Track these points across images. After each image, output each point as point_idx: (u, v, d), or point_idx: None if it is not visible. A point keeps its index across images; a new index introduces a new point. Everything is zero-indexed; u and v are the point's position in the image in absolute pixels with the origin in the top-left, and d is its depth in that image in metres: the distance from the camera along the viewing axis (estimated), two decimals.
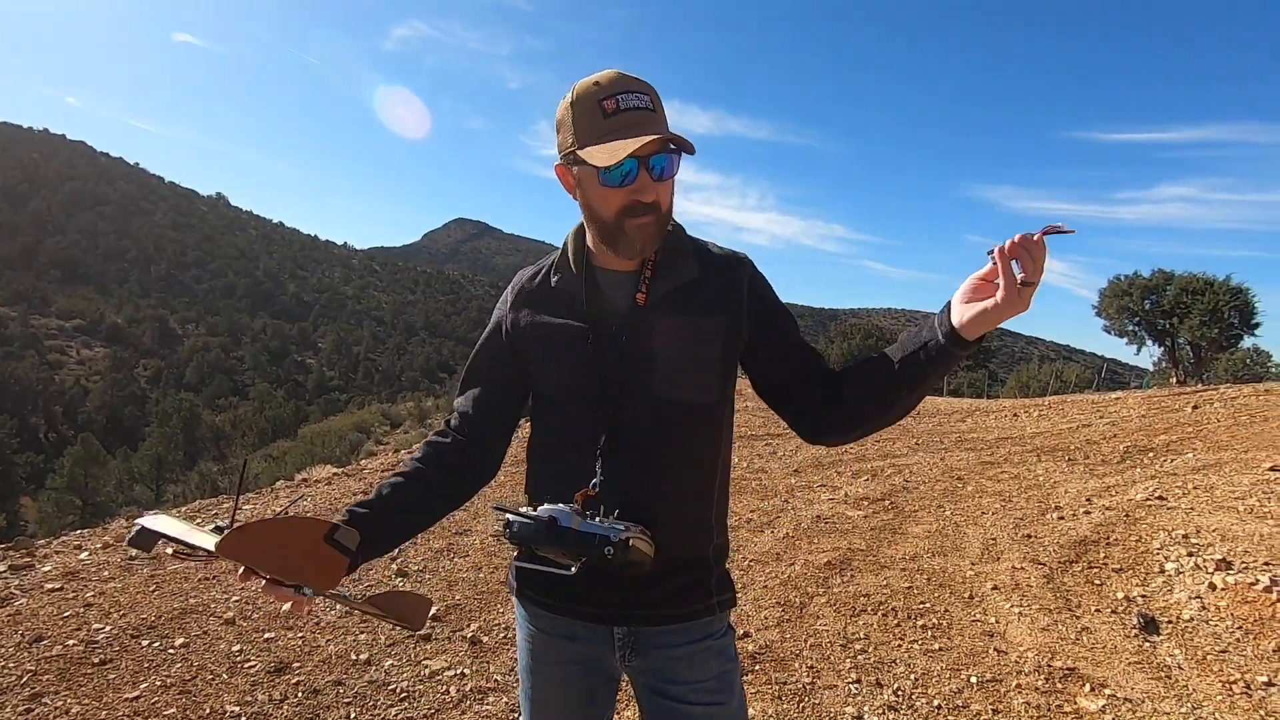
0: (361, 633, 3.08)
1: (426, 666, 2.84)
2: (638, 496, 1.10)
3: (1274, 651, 3.25)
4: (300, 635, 3.08)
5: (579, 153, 1.04)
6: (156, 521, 1.06)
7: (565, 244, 1.22)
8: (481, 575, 3.76)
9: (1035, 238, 0.90)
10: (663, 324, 1.13)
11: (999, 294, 0.92)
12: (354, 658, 2.89)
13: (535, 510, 1.09)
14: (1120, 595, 3.92)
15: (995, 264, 0.92)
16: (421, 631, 3.07)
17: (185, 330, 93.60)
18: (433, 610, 3.29)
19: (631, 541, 1.04)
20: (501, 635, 3.11)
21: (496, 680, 2.76)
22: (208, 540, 0.98)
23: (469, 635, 3.08)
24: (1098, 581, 4.15)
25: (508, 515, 1.11)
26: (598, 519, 1.06)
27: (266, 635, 3.08)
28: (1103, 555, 4.57)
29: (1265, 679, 3.00)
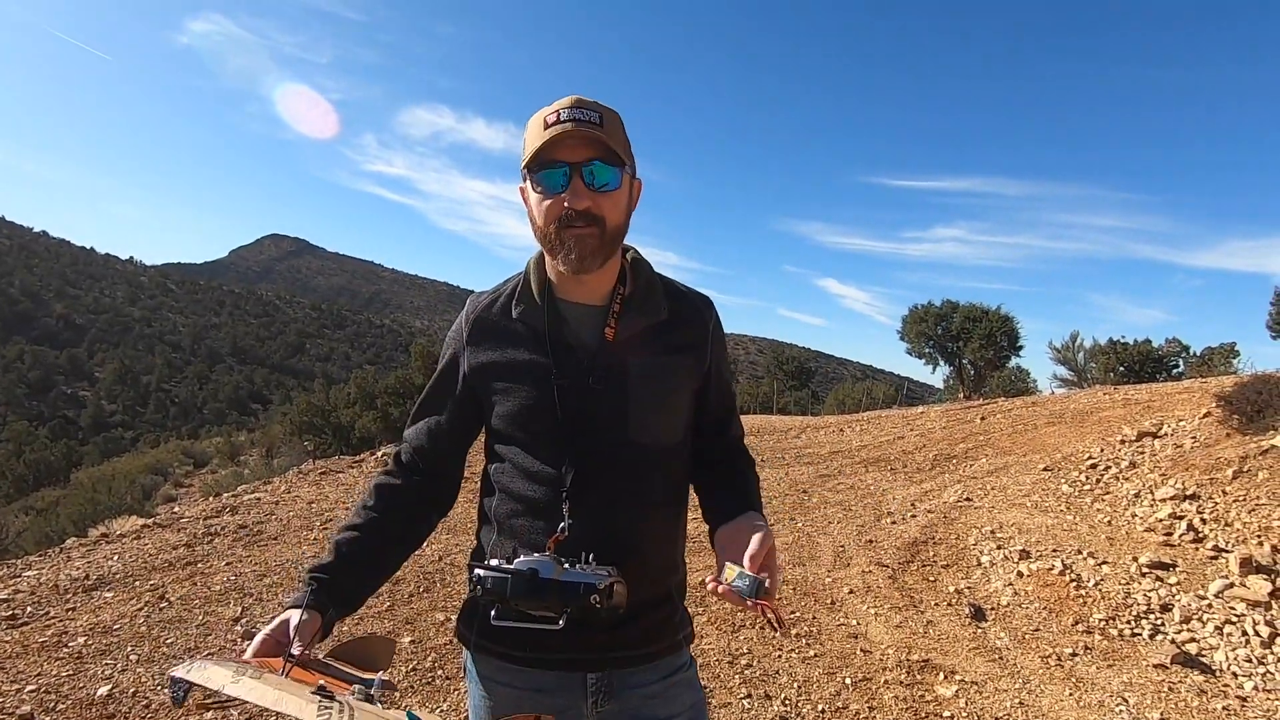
0: (207, 711, 2.66)
1: None
2: (608, 539, 1.07)
3: (1073, 625, 3.84)
4: None
5: (524, 163, 1.05)
6: (201, 673, 0.92)
7: (527, 272, 1.17)
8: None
9: (719, 590, 0.97)
10: (633, 363, 1.12)
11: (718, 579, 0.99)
12: None
13: (509, 562, 1.03)
14: (951, 588, 4.43)
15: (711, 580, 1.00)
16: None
17: None
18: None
19: (614, 587, 1.02)
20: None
21: None
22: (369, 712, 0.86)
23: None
24: (932, 578, 4.65)
25: (479, 571, 1.04)
26: (578, 566, 1.03)
27: None
28: (932, 553, 5.14)
29: (1070, 650, 3.54)
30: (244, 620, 3.46)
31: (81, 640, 3.15)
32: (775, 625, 0.97)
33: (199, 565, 4.26)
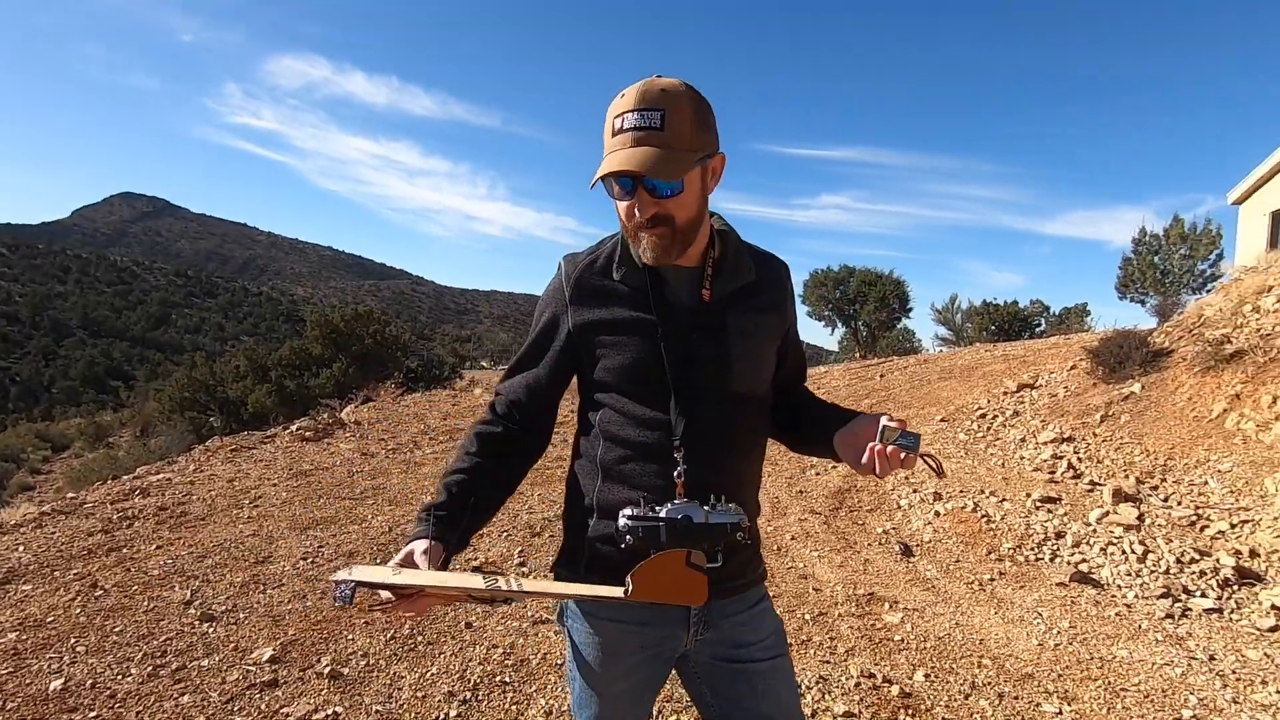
0: (184, 694, 2.55)
1: (287, 715, 2.47)
2: (717, 481, 1.17)
3: (987, 555, 4.33)
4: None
5: None
6: (364, 573, 0.98)
7: (624, 235, 1.23)
8: (310, 604, 3.33)
9: (887, 450, 1.05)
10: (729, 320, 1.22)
11: (861, 459, 1.09)
12: None
13: (653, 510, 1.11)
14: (879, 530, 4.85)
15: (872, 446, 1.07)
16: (267, 678, 2.66)
17: None
18: (269, 652, 2.85)
19: (745, 522, 1.13)
20: (363, 664, 2.81)
21: (378, 711, 2.51)
22: (536, 585, 1.00)
23: (324, 670, 2.74)
24: (860, 521, 5.07)
25: (626, 520, 1.11)
26: (719, 508, 1.12)
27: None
28: (856, 499, 5.58)
29: (989, 576, 4.00)
30: (196, 603, 3.29)
31: (13, 636, 2.90)
32: (939, 471, 1.09)
33: (125, 551, 3.97)
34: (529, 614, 3.30)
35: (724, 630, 1.25)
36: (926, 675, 2.87)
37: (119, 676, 2.66)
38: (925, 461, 1.08)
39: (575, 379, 1.31)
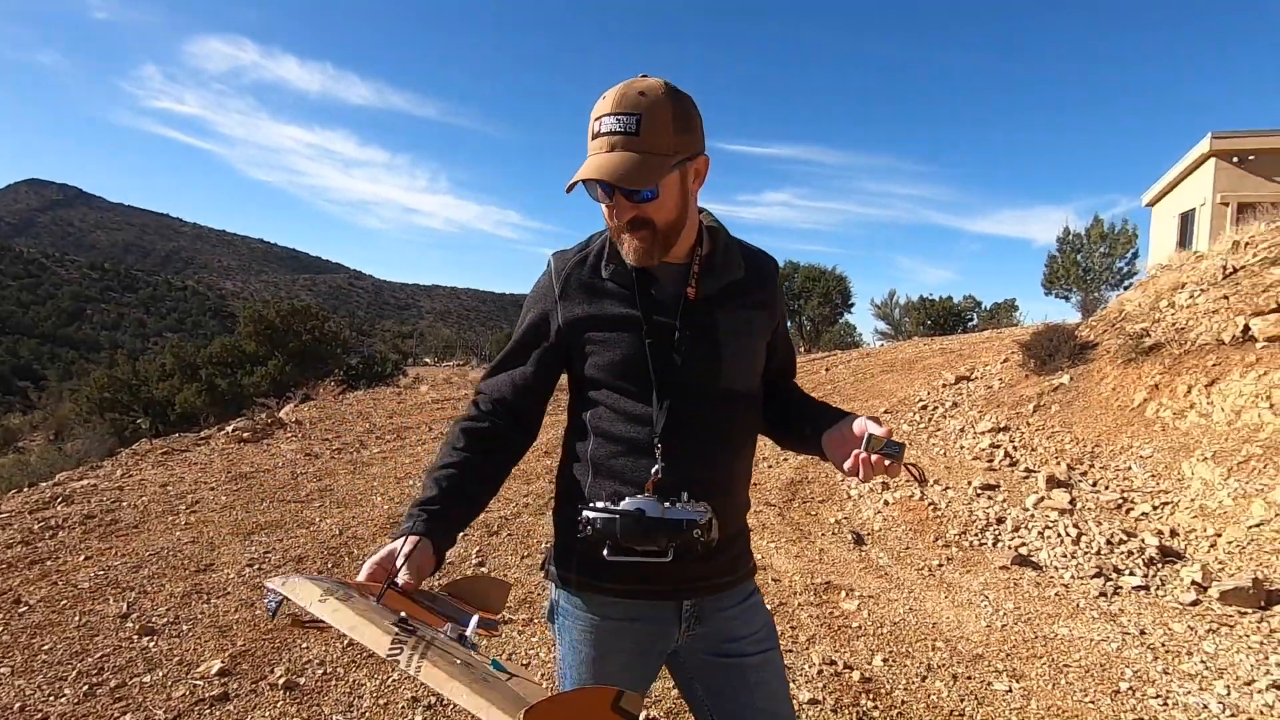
0: (125, 713, 2.41)
1: None
2: (699, 479, 1.17)
3: (935, 542, 4.50)
4: None
5: None
6: (292, 588, 0.88)
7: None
8: (259, 612, 3.18)
9: (872, 458, 1.04)
10: (718, 317, 1.21)
11: (845, 463, 1.10)
12: None
13: (615, 504, 1.11)
14: (831, 520, 4.97)
15: (857, 453, 1.07)
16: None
17: None
18: (218, 665, 2.71)
19: (712, 521, 1.13)
20: (319, 673, 2.71)
21: None
22: (431, 675, 0.78)
23: (278, 682, 2.62)
24: (813, 512, 5.19)
25: (587, 514, 1.11)
26: (678, 505, 1.12)
27: None
28: (808, 490, 5.70)
29: (937, 562, 4.16)
30: (133, 616, 3.10)
31: None
32: (921, 479, 1.12)
33: (49, 563, 3.71)
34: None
35: (716, 625, 1.26)
36: (885, 660, 2.96)
37: (51, 698, 2.49)
38: (908, 470, 1.09)
39: (565, 377, 1.30)
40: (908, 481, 4.11)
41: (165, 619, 3.11)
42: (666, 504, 1.12)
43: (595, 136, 1.08)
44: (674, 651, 1.29)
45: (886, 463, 1.04)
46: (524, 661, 2.84)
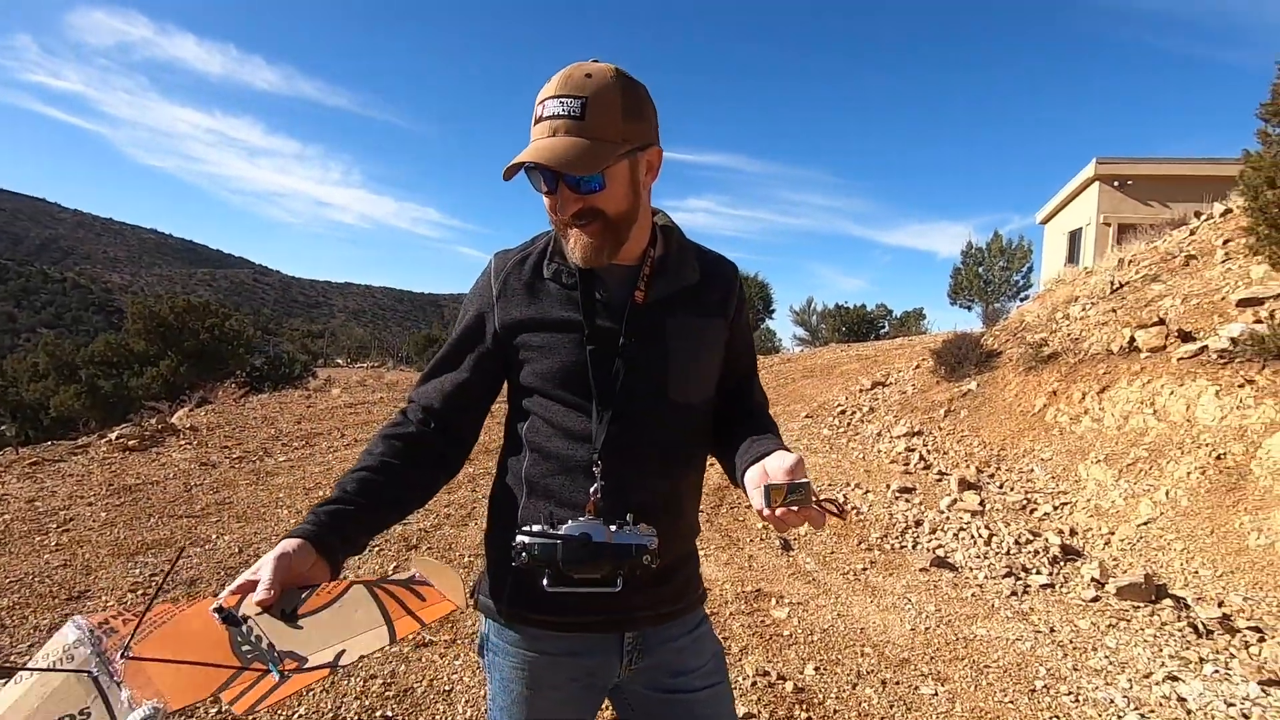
0: None
1: None
2: (642, 499, 1.07)
3: (858, 546, 4.59)
4: None
5: None
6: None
7: (558, 231, 1.11)
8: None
9: (777, 513, 0.91)
10: (668, 324, 1.12)
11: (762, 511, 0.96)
12: None
13: (553, 527, 1.01)
14: (758, 526, 5.00)
15: (762, 512, 0.94)
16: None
17: None
18: None
19: (660, 546, 1.03)
20: (211, 714, 2.45)
21: None
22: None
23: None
24: (740, 518, 5.20)
25: (523, 538, 1.00)
26: (625, 528, 1.03)
27: None
28: (736, 496, 5.72)
29: (861, 566, 4.24)
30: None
31: None
32: (841, 514, 1.01)
33: None
34: (409, 637, 3.05)
35: (661, 657, 1.17)
36: (816, 669, 2.96)
37: None
38: (824, 508, 0.98)
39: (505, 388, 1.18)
40: (828, 518, 4.15)
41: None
42: (613, 527, 1.01)
43: (538, 121, 0.99)
44: (616, 686, 1.19)
45: (795, 510, 0.91)
46: (446, 688, 2.66)
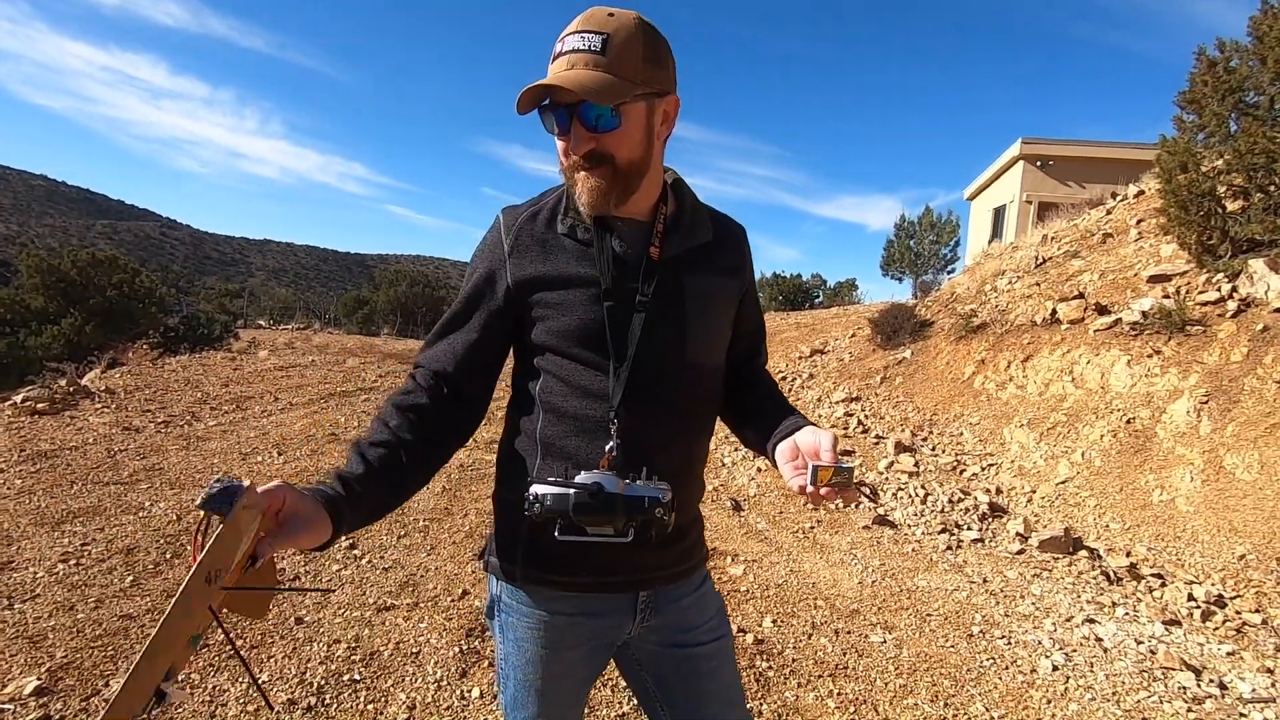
0: None
1: None
2: (656, 457, 1.07)
3: (805, 507, 4.78)
4: None
5: None
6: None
7: (571, 184, 1.09)
8: (83, 616, 2.71)
9: (821, 491, 0.97)
10: (684, 282, 1.12)
11: (794, 482, 0.99)
12: None
13: (568, 479, 1.01)
14: (710, 487, 5.13)
15: (804, 488, 0.99)
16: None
17: None
18: (32, 683, 2.27)
19: (674, 501, 1.05)
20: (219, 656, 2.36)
21: None
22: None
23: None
24: None
25: (537, 489, 1.00)
26: (638, 481, 1.04)
27: None
28: None
29: (809, 525, 4.42)
30: None
31: None
32: (873, 498, 1.07)
33: None
34: (371, 601, 3.01)
35: (670, 615, 1.20)
36: (774, 621, 3.10)
37: None
38: (860, 492, 1.03)
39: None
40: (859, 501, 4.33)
41: None
42: (626, 480, 1.02)
43: (556, 57, 0.98)
44: (624, 643, 1.22)
45: (837, 492, 0.97)
46: (414, 649, 2.65)
